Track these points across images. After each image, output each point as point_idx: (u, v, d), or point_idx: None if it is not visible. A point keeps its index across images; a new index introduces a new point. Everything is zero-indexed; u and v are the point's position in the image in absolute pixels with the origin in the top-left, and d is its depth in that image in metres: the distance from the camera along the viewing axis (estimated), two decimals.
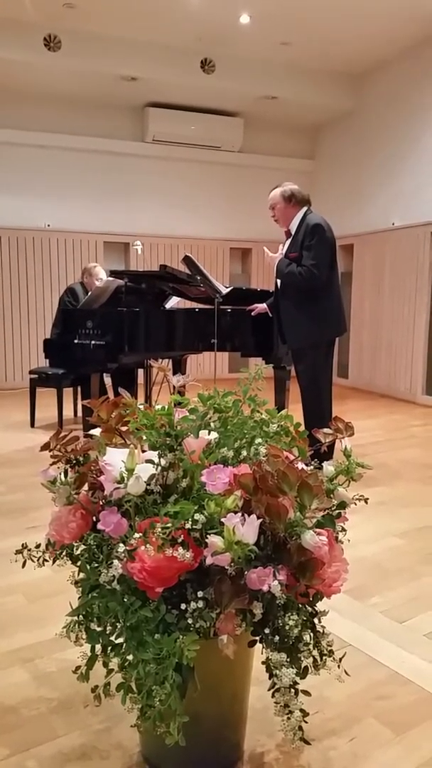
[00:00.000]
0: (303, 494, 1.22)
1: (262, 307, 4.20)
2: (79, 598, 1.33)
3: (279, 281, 3.82)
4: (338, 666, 1.32)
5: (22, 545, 1.41)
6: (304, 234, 3.64)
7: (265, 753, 1.50)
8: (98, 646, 1.31)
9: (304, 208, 3.74)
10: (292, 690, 1.20)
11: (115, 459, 1.27)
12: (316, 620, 1.31)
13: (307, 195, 3.80)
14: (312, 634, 1.29)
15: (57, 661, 1.86)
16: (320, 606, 1.33)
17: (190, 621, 1.18)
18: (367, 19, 6.13)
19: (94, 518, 1.32)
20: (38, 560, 1.40)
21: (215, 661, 1.23)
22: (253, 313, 4.26)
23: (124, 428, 1.41)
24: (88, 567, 1.30)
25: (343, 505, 1.40)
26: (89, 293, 5.33)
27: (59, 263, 7.67)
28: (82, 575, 1.32)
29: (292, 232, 3.74)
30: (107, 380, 5.55)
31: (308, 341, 3.72)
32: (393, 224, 7.25)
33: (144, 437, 1.38)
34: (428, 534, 3.00)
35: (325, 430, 1.49)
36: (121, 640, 1.27)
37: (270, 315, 4.16)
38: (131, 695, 1.22)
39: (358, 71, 7.54)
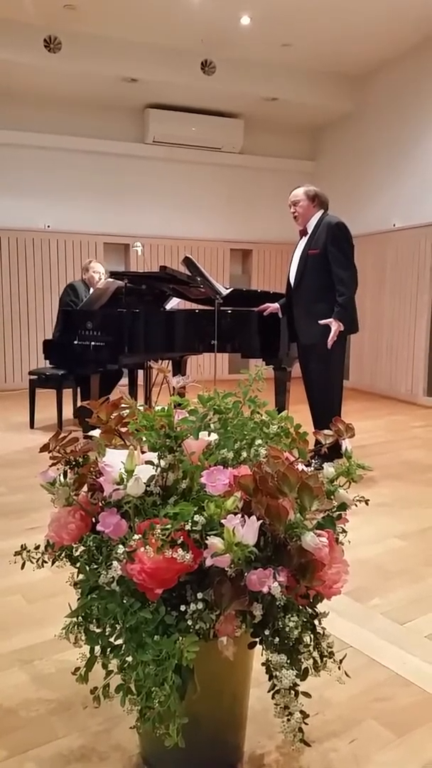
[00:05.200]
0: (303, 496, 1.21)
1: (274, 306, 4.17)
2: (79, 599, 1.32)
3: (293, 280, 3.89)
4: (339, 667, 1.31)
5: (22, 546, 1.41)
6: (328, 232, 3.73)
7: (265, 755, 1.49)
8: (97, 648, 1.30)
9: (322, 211, 3.87)
10: (293, 692, 1.20)
11: (114, 460, 1.27)
12: (316, 622, 1.31)
13: (328, 199, 3.93)
14: (312, 636, 1.28)
15: (56, 662, 1.86)
16: (321, 607, 1.33)
17: (189, 622, 1.18)
18: (367, 20, 6.13)
19: (93, 519, 1.32)
20: (37, 561, 1.39)
21: (215, 663, 1.22)
22: (265, 313, 4.23)
23: (123, 429, 1.41)
24: (88, 568, 1.29)
25: (343, 506, 1.40)
26: (91, 292, 5.35)
27: (59, 264, 7.68)
28: (81, 576, 1.32)
29: (309, 231, 3.84)
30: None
31: (327, 333, 3.73)
32: (394, 225, 7.26)
33: (144, 438, 1.37)
34: (430, 536, 2.99)
35: (326, 431, 1.49)
36: (120, 641, 1.26)
37: (280, 316, 4.15)
38: (130, 697, 1.22)
39: (358, 72, 7.54)
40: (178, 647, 1.14)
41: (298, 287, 3.88)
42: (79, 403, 5.54)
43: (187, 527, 1.19)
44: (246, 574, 1.18)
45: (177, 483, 1.30)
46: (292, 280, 3.93)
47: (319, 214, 3.84)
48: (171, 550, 1.15)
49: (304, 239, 3.87)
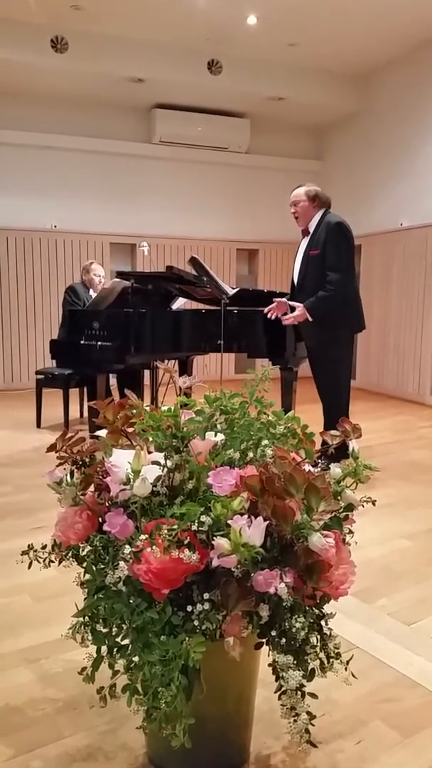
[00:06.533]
0: (310, 496, 1.21)
1: (282, 302, 4.11)
2: (85, 599, 1.32)
3: (296, 280, 3.88)
4: (345, 668, 1.31)
5: (29, 546, 1.41)
6: (327, 232, 3.70)
7: (272, 755, 1.49)
8: (104, 648, 1.31)
9: (323, 210, 3.84)
10: (299, 692, 1.20)
11: (121, 460, 1.27)
12: (323, 622, 1.31)
13: (329, 198, 3.90)
14: (319, 637, 1.28)
15: (63, 661, 1.86)
16: (327, 608, 1.32)
17: (196, 623, 1.18)
18: (373, 19, 6.12)
19: (100, 519, 1.32)
20: (44, 561, 1.40)
21: (221, 663, 1.22)
22: (270, 315, 4.12)
23: (130, 429, 1.41)
24: (94, 568, 1.30)
25: (350, 507, 1.39)
26: (95, 293, 5.35)
27: (66, 264, 7.69)
28: (87, 576, 1.32)
29: (310, 231, 3.82)
30: (113, 381, 5.57)
31: (329, 334, 3.72)
32: (401, 225, 7.23)
33: (150, 439, 1.37)
34: None
35: (333, 432, 1.48)
36: (126, 641, 1.26)
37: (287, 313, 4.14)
38: (137, 697, 1.22)
39: (365, 72, 7.52)
40: (184, 648, 1.14)
41: (301, 288, 3.86)
42: (86, 403, 5.56)
43: (194, 527, 1.19)
44: (252, 574, 1.18)
45: (183, 483, 1.30)
46: (295, 281, 3.92)
47: (320, 213, 3.82)
48: (177, 551, 1.15)
49: (306, 239, 3.86)
